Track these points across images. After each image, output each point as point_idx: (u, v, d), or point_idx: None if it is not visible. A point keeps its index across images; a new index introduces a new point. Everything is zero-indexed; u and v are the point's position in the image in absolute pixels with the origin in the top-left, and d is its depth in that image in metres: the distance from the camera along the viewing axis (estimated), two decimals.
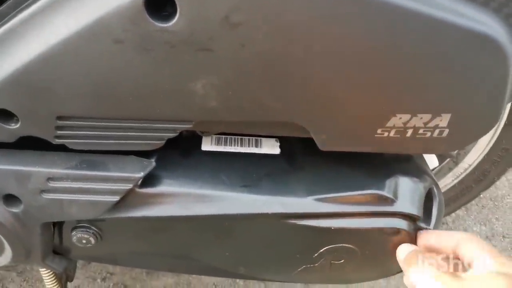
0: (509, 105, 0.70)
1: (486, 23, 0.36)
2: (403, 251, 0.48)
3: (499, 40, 0.36)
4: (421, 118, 0.41)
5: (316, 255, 0.53)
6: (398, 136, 0.43)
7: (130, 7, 0.33)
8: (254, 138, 0.54)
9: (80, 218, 0.49)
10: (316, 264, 0.54)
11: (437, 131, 0.42)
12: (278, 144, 0.54)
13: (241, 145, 0.53)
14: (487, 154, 0.78)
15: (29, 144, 0.45)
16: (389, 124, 0.41)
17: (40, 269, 0.65)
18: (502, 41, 0.36)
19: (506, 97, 0.41)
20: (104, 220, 0.50)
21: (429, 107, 0.40)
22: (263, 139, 0.54)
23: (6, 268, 0.93)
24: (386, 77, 0.38)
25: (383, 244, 0.52)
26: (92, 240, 0.52)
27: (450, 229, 1.09)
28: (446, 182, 0.84)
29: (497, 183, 1.15)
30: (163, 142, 0.45)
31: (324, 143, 0.44)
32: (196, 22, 0.33)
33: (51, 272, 0.64)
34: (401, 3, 0.33)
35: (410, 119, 0.41)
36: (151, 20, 0.33)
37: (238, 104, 0.39)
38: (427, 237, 0.48)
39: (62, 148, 0.45)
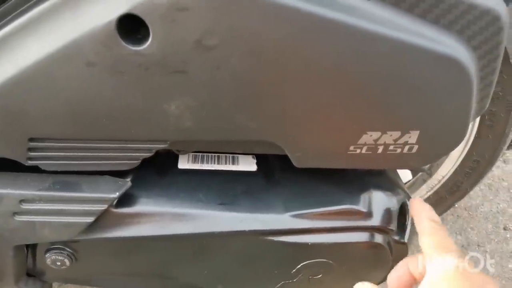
0: (478, 119, 0.73)
1: (450, 45, 0.38)
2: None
3: (462, 61, 0.38)
4: (391, 135, 0.42)
5: (294, 270, 0.53)
6: (370, 152, 0.44)
7: (102, 30, 0.33)
8: (231, 155, 0.54)
9: (54, 240, 0.48)
10: (295, 280, 0.54)
11: (407, 147, 0.44)
12: (255, 161, 0.54)
13: (218, 163, 0.53)
14: (460, 166, 0.80)
15: (1, 166, 0.44)
16: (361, 141, 0.43)
17: None
18: (465, 62, 0.38)
19: (471, 114, 0.42)
20: (79, 241, 0.49)
21: (398, 125, 0.42)
22: (240, 156, 0.55)
23: None
24: (357, 97, 0.39)
25: (359, 257, 0.53)
26: (67, 262, 0.51)
27: None
28: (421, 194, 0.86)
29: (471, 193, 1.18)
30: (139, 161, 0.45)
31: (299, 161, 0.45)
32: (169, 45, 0.34)
33: None
34: (369, 28, 0.35)
35: (381, 136, 0.42)
36: (124, 44, 0.33)
37: (213, 124, 0.40)
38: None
39: (35, 169, 0.44)
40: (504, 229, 1.13)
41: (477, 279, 0.38)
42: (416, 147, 0.44)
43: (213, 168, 0.53)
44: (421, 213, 0.46)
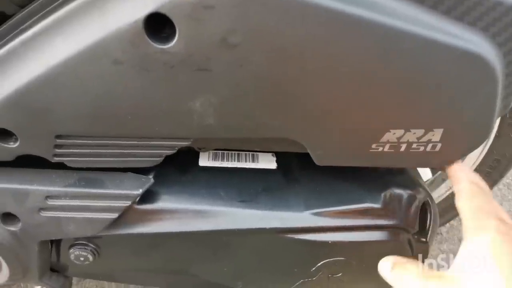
0: (498, 118, 0.71)
1: (475, 42, 0.37)
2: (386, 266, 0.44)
3: (487, 58, 0.37)
4: (414, 133, 0.42)
5: (314, 269, 0.53)
6: (392, 150, 0.44)
7: (130, 29, 0.33)
8: (251, 153, 0.55)
9: (78, 236, 0.49)
10: (314, 278, 0.54)
11: (430, 146, 0.43)
12: (275, 158, 0.55)
13: (238, 160, 0.54)
14: (480, 165, 0.79)
15: (26, 162, 0.45)
16: (383, 139, 0.42)
17: (35, 287, 0.64)
18: (490, 59, 0.38)
19: (496, 111, 0.42)
20: (102, 237, 0.50)
21: (421, 123, 0.41)
22: (260, 154, 0.55)
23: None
24: (380, 94, 0.39)
25: (379, 256, 0.52)
26: (90, 257, 0.52)
27: (445, 239, 1.10)
28: (440, 193, 0.85)
29: None
30: (162, 159, 0.45)
31: (320, 158, 0.45)
32: (195, 43, 0.34)
33: None
34: (394, 25, 0.35)
35: (404, 134, 0.42)
36: (150, 42, 0.34)
37: (236, 121, 0.40)
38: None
39: (60, 166, 0.45)
40: None
41: None
42: (439, 145, 0.43)
43: (233, 166, 0.53)
44: (459, 173, 0.44)
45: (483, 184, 0.44)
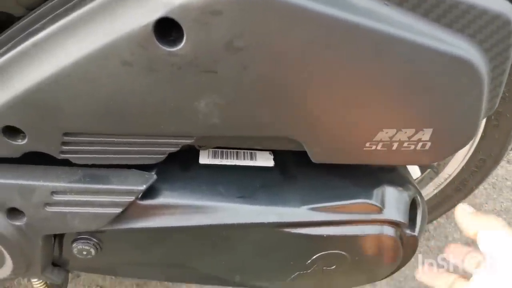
0: (484, 120, 0.75)
1: (463, 48, 0.40)
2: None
3: (474, 62, 0.40)
4: (405, 132, 0.44)
5: (309, 262, 0.55)
6: (385, 149, 0.46)
7: (140, 32, 0.35)
8: (249, 151, 0.57)
9: (82, 230, 0.51)
10: (309, 271, 0.56)
11: (420, 144, 0.46)
12: (272, 156, 0.57)
13: (237, 158, 0.56)
14: (466, 165, 0.82)
15: (32, 159, 0.46)
16: (377, 138, 0.45)
17: (32, 280, 0.65)
18: (477, 64, 0.40)
19: (482, 113, 0.44)
20: (105, 231, 0.52)
21: (412, 123, 0.44)
22: (258, 152, 0.57)
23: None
24: (374, 96, 0.41)
25: (371, 250, 0.55)
26: (93, 252, 0.53)
27: (432, 236, 1.13)
28: (428, 191, 0.88)
29: (475, 192, 1.19)
30: (165, 156, 0.47)
31: (316, 156, 0.47)
32: (201, 46, 0.36)
33: (42, 283, 0.65)
34: (387, 31, 0.37)
35: (396, 133, 0.44)
36: (159, 45, 0.36)
37: (238, 121, 0.42)
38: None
39: (65, 163, 0.47)
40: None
41: None
42: (429, 144, 0.46)
43: (232, 163, 0.55)
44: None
45: None
